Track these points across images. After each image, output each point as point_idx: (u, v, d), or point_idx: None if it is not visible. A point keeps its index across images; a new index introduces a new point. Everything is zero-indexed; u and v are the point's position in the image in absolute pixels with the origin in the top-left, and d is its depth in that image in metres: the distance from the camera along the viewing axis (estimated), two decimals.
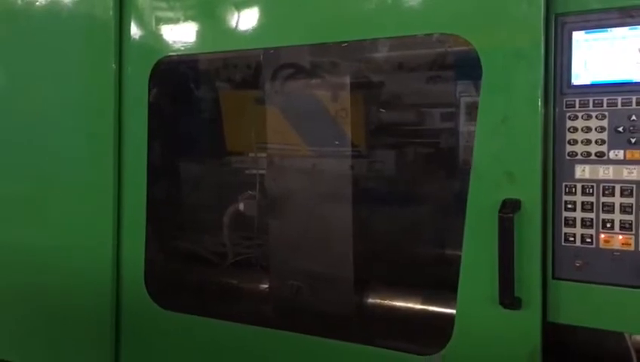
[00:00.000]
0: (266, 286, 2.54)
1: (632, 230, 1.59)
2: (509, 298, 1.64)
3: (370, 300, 2.35)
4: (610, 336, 1.77)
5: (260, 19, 2.03)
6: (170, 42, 2.21)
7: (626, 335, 1.75)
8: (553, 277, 1.69)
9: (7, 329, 2.60)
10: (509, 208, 1.63)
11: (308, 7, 1.96)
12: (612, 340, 1.78)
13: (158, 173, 2.48)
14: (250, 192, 2.44)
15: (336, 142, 2.27)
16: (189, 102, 2.55)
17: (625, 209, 1.59)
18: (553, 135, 1.66)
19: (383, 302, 2.35)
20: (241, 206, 2.42)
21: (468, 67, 1.87)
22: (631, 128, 1.57)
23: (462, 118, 2.31)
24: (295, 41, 2.01)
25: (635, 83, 1.56)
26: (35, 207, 2.52)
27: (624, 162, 1.59)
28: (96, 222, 2.36)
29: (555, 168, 1.67)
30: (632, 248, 1.59)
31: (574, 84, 1.63)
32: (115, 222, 2.33)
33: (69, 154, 2.42)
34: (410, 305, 2.27)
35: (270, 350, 2.16)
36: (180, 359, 2.32)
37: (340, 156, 2.35)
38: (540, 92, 1.61)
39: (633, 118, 1.57)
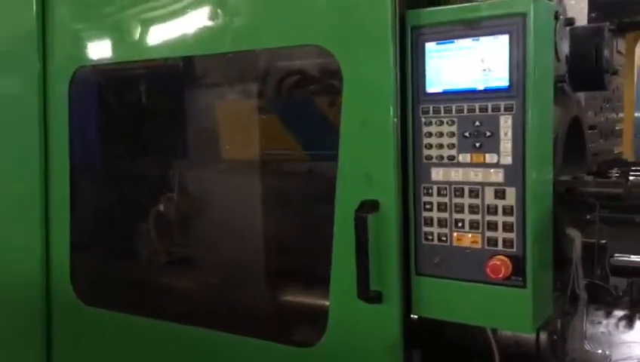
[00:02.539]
0: (191, 284, 2.65)
1: (479, 229, 1.69)
2: (365, 292, 1.74)
3: (283, 297, 2.46)
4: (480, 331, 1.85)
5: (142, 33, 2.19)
6: (88, 53, 2.36)
7: (488, 329, 1.82)
8: (416, 273, 1.80)
9: None
10: (366, 209, 1.73)
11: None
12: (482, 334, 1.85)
13: (88, 175, 2.62)
14: (169, 194, 2.55)
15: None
16: (108, 107, 2.69)
17: (473, 209, 1.69)
18: (413, 140, 1.76)
19: (294, 298, 2.46)
20: (162, 207, 2.54)
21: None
22: (475, 133, 1.67)
23: None
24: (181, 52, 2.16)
25: (478, 91, 1.66)
26: None
27: (471, 165, 1.69)
28: (24, 221, 2.51)
29: (415, 171, 1.77)
30: (479, 246, 1.69)
31: (428, 92, 1.73)
32: (43, 221, 2.47)
33: None
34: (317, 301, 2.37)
35: (192, 347, 2.27)
36: (106, 354, 2.45)
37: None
38: (392, 100, 1.72)
39: (477, 123, 1.66)
